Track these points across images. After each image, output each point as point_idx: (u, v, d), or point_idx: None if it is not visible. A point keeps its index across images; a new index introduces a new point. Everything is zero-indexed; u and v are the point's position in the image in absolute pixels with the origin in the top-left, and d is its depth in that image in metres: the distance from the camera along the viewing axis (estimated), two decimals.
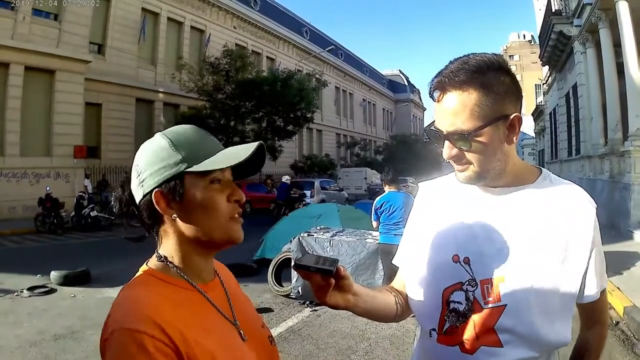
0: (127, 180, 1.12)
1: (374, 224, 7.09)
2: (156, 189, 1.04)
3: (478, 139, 1.21)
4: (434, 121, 1.29)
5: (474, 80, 1.19)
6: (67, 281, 8.36)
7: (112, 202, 1.13)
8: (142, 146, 1.11)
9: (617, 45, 14.55)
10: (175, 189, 1.04)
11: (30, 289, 7.93)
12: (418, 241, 1.43)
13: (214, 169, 1.05)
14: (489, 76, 1.20)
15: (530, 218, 1.25)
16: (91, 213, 16.74)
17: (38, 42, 20.03)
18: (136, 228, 1.12)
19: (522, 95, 1.27)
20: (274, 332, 5.99)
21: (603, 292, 1.32)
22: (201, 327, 0.99)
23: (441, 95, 1.24)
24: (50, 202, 16.24)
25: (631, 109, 13.61)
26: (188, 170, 1.04)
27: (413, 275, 1.41)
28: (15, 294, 7.79)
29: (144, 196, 1.06)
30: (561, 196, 1.28)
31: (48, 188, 17.08)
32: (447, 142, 1.25)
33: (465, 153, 1.24)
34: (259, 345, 1.16)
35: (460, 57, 1.26)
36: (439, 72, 1.26)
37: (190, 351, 0.93)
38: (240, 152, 1.08)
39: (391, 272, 6.73)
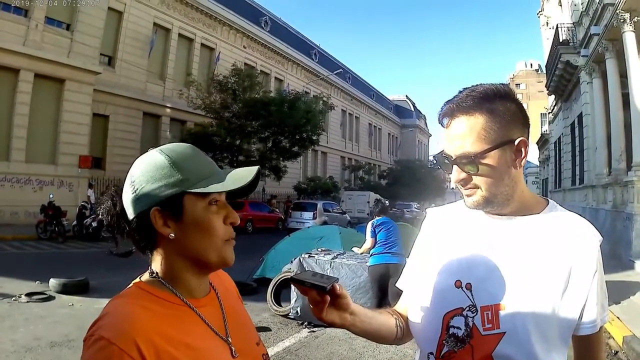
0: (117, 193, 1.11)
1: (370, 242, 7.05)
2: (154, 207, 1.04)
3: (485, 161, 1.23)
4: (443, 150, 1.31)
5: (481, 106, 1.23)
6: (65, 289, 8.36)
7: (101, 215, 1.12)
8: (138, 161, 1.10)
9: (623, 76, 14.66)
10: (174, 209, 1.04)
11: (29, 294, 7.94)
12: (422, 265, 1.43)
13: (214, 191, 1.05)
14: (495, 102, 1.24)
15: (534, 247, 1.25)
16: (93, 223, 16.68)
17: (49, 50, 20.28)
18: (123, 242, 1.11)
19: (529, 123, 1.30)
20: (271, 351, 5.95)
21: (600, 330, 1.30)
22: (183, 343, 0.99)
23: (450, 121, 1.28)
24: (53, 210, 16.28)
25: (635, 140, 13.68)
26: (189, 190, 1.04)
27: (415, 299, 1.41)
28: (14, 298, 7.80)
29: (140, 213, 1.05)
30: (566, 227, 1.28)
31: (51, 196, 17.12)
32: (455, 167, 1.28)
33: (473, 177, 1.26)
34: None
35: (468, 87, 1.30)
36: (448, 100, 1.30)
37: None
38: (242, 176, 1.08)
39: (382, 294, 6.73)
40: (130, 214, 1.06)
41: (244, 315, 1.26)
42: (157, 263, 1.09)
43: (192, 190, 1.03)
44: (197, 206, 1.05)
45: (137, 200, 1.05)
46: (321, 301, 1.19)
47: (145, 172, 1.06)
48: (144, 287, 1.06)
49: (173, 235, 1.04)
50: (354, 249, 7.88)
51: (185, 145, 1.14)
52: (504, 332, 1.21)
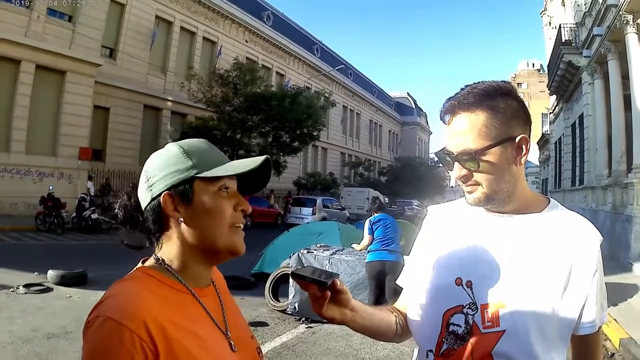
0: (134, 189, 1.14)
1: (368, 238, 7.06)
2: (165, 192, 1.06)
3: (486, 158, 1.24)
4: (444, 147, 1.32)
5: (483, 103, 1.24)
6: (64, 281, 8.36)
7: (117, 209, 1.14)
8: (153, 154, 1.14)
9: (625, 77, 14.66)
10: (184, 193, 1.07)
11: (27, 286, 7.93)
12: (423, 262, 1.43)
13: (223, 176, 1.08)
14: (497, 100, 1.25)
15: (535, 245, 1.26)
16: (92, 215, 16.74)
17: (51, 41, 20.24)
18: (135, 235, 1.13)
19: (530, 120, 1.30)
20: (268, 346, 5.98)
21: (599, 330, 1.30)
22: (189, 330, 0.99)
23: (451, 118, 1.29)
24: (52, 202, 16.26)
25: (636, 141, 13.68)
26: (198, 175, 1.07)
27: (415, 296, 1.42)
28: (11, 289, 7.79)
29: (152, 200, 1.08)
30: (567, 226, 1.29)
31: (51, 187, 17.09)
32: (456, 163, 1.28)
33: (474, 173, 1.27)
34: (248, 357, 1.16)
35: (470, 84, 1.31)
36: (450, 97, 1.31)
37: (171, 353, 0.93)
38: (249, 162, 1.11)
39: (380, 291, 6.75)
40: (144, 203, 1.09)
41: (237, 310, 1.27)
42: (164, 250, 1.10)
43: (201, 175, 1.07)
44: (206, 191, 1.08)
45: (150, 188, 1.09)
46: (321, 297, 1.19)
47: (158, 161, 1.11)
48: (148, 272, 1.06)
49: (182, 219, 1.06)
50: (353, 245, 7.88)
51: (201, 139, 1.18)
52: (504, 331, 1.21)
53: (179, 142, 1.15)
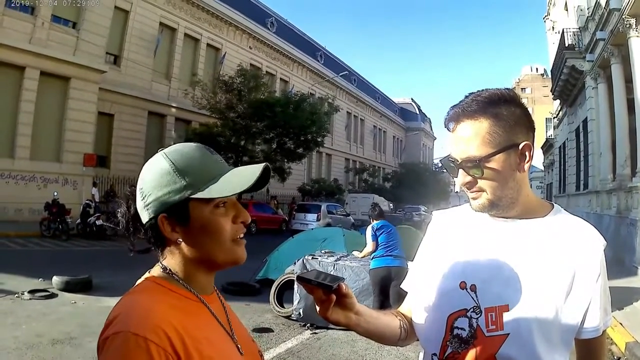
0: (132, 196, 1.12)
1: (372, 245, 7.03)
2: (161, 214, 1.05)
3: (489, 165, 1.25)
4: (449, 154, 1.33)
5: (486, 111, 1.26)
6: (68, 287, 8.37)
7: (119, 218, 1.13)
8: (145, 166, 1.11)
9: (629, 81, 14.64)
10: (180, 215, 1.05)
11: (32, 292, 7.94)
12: (428, 267, 1.44)
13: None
14: (500, 107, 1.26)
15: (538, 250, 1.26)
16: (97, 222, 16.79)
17: (55, 48, 20.35)
18: (141, 240, 1.12)
19: (534, 127, 1.32)
20: (273, 352, 5.98)
21: (603, 334, 1.31)
22: (204, 337, 1.00)
23: (455, 126, 1.31)
24: (57, 208, 16.33)
25: None
26: (192, 197, 1.04)
27: (420, 300, 1.43)
28: (16, 295, 7.81)
29: (149, 219, 1.07)
30: (571, 231, 1.29)
31: (55, 193, 17.15)
32: (460, 170, 1.29)
33: (478, 180, 1.28)
34: None
35: (474, 92, 1.33)
36: (454, 105, 1.33)
37: None
38: (246, 177, 1.08)
39: (384, 297, 6.73)
40: (143, 218, 1.08)
41: (235, 314, 1.27)
42: (168, 261, 1.09)
43: (196, 197, 1.04)
44: (203, 210, 1.05)
45: (146, 207, 1.06)
46: (327, 300, 1.21)
47: (152, 179, 1.07)
48: (158, 281, 1.06)
49: (181, 240, 1.06)
50: (354, 252, 7.87)
51: (192, 145, 1.14)
52: (508, 334, 1.22)
53: (170, 152, 1.10)
